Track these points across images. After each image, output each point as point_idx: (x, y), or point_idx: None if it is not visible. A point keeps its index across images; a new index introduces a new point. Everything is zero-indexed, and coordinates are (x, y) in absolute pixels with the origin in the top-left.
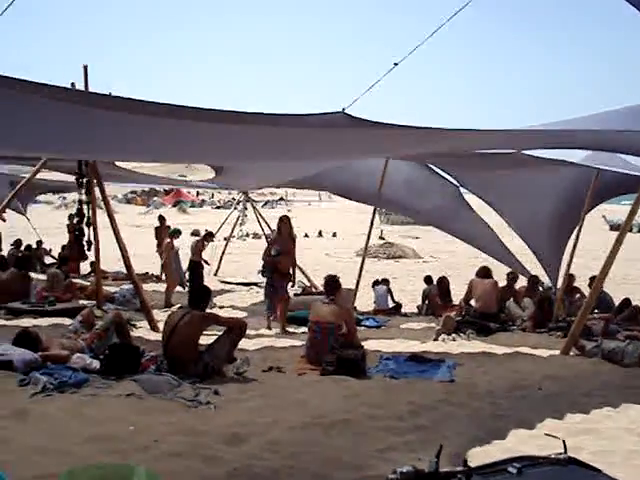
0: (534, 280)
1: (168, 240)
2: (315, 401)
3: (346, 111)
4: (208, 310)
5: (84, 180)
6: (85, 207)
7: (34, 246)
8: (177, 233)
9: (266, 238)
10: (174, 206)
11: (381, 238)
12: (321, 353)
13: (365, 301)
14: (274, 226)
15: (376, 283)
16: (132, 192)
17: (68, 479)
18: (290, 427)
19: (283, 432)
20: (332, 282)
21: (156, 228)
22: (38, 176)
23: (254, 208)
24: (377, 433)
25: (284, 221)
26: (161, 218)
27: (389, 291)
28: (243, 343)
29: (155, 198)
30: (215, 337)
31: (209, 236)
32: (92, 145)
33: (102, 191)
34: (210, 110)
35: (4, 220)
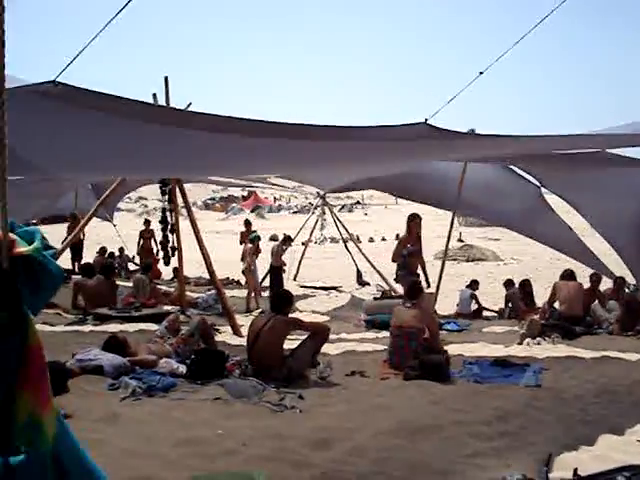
0: (621, 282)
1: (250, 245)
2: (400, 406)
3: (428, 121)
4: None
5: (167, 188)
6: (169, 214)
7: (117, 253)
8: (257, 239)
9: (344, 242)
10: (252, 212)
11: (460, 240)
12: (404, 358)
13: (445, 305)
14: (352, 230)
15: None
16: (211, 199)
17: None
18: (376, 432)
19: (369, 437)
20: (414, 286)
21: (242, 233)
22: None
23: (332, 212)
24: (464, 438)
25: (414, 219)
26: (247, 222)
27: (473, 296)
28: (325, 347)
29: (234, 204)
30: (298, 342)
31: (287, 240)
32: (172, 164)
33: (185, 198)
34: (296, 125)
35: (84, 235)
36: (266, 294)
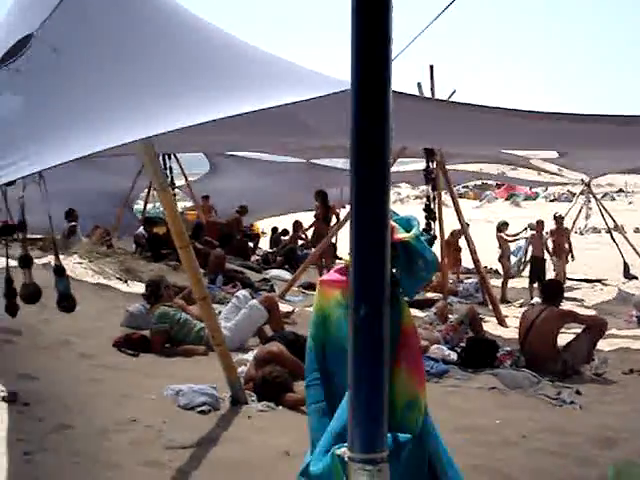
0: None
1: (502, 234)
2: None
3: None
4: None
5: (432, 176)
6: (432, 202)
7: None
8: (505, 225)
9: (610, 232)
10: (507, 199)
11: None
12: None
13: None
14: (619, 220)
15: None
16: (464, 186)
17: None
18: None
19: None
20: None
21: (551, 231)
22: None
23: (597, 200)
24: None
25: None
26: (557, 217)
27: None
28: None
29: (488, 192)
30: (574, 335)
31: (538, 225)
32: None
33: (449, 185)
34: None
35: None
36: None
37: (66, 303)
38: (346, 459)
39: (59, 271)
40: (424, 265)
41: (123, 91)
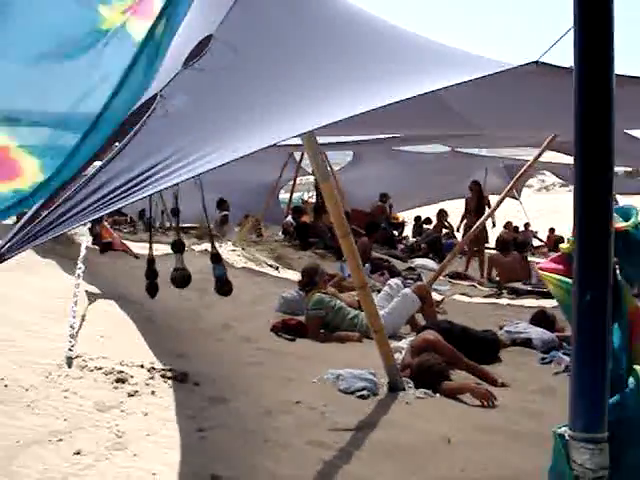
0: None
1: None
2: None
3: None
4: None
5: None
6: None
7: (521, 229)
8: None
9: None
10: None
11: None
12: None
13: None
14: None
15: None
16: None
17: None
18: None
19: None
20: None
21: None
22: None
23: None
24: None
25: None
26: None
27: None
28: None
29: None
30: None
31: None
32: None
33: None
34: None
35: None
36: None
37: (224, 288)
38: (567, 438)
39: (216, 258)
40: None
41: (296, 87)
